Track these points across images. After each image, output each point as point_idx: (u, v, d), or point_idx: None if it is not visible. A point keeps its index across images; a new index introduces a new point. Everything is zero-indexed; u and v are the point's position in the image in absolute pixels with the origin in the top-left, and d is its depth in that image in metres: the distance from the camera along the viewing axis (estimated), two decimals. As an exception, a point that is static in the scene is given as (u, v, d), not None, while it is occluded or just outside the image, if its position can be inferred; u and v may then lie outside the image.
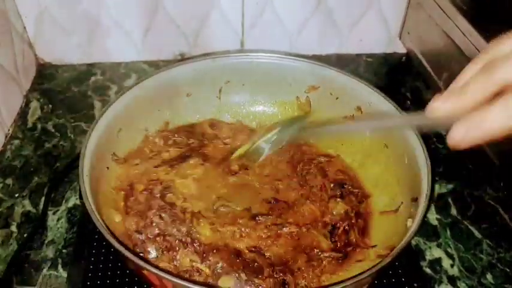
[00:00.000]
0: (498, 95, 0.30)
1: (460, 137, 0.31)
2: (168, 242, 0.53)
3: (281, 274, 0.51)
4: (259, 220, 0.56)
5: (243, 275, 0.50)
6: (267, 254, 0.54)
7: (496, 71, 0.30)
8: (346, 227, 0.57)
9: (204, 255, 0.52)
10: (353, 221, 0.57)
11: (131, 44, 0.89)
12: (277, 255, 0.54)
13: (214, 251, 0.52)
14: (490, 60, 0.31)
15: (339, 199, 0.59)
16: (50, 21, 0.84)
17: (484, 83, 0.30)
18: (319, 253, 0.54)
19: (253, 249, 0.54)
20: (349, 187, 0.61)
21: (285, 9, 0.87)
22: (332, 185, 0.61)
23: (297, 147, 0.67)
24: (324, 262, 0.53)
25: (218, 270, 0.51)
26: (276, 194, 0.61)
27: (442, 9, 0.75)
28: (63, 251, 0.59)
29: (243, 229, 0.55)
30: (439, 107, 0.32)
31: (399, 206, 0.56)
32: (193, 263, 0.51)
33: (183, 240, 0.53)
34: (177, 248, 0.52)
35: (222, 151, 0.65)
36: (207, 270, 0.51)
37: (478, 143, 0.31)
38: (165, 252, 0.52)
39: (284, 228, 0.56)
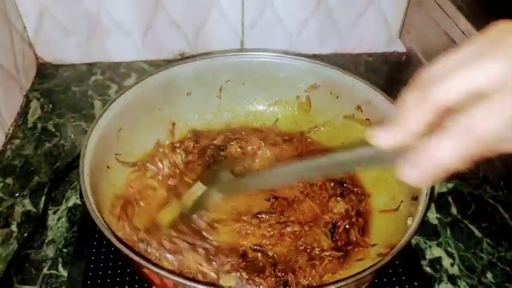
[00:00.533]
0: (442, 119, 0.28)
1: (416, 177, 0.29)
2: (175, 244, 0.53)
3: (283, 273, 0.51)
4: (262, 218, 0.56)
5: (244, 274, 0.50)
6: (270, 253, 0.54)
7: (429, 94, 0.29)
8: (347, 226, 0.57)
9: (211, 257, 0.52)
10: (353, 220, 0.57)
11: (131, 44, 0.89)
12: (280, 254, 0.54)
13: (221, 252, 0.52)
14: (423, 87, 0.30)
15: (339, 198, 0.59)
16: (50, 21, 0.84)
17: (421, 109, 0.29)
18: (320, 252, 0.54)
19: (257, 247, 0.54)
20: (349, 186, 0.61)
21: (285, 9, 0.87)
22: (332, 183, 0.61)
23: (300, 142, 0.67)
24: (325, 261, 0.53)
25: (223, 272, 0.51)
26: (275, 191, 0.61)
27: (442, 9, 0.75)
28: (64, 250, 0.59)
29: (247, 227, 0.55)
30: (381, 137, 0.31)
31: (399, 205, 0.56)
32: (199, 266, 0.51)
33: (190, 242, 0.53)
34: (183, 251, 0.52)
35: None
36: (213, 274, 0.51)
37: (442, 176, 0.29)
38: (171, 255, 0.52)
39: (287, 228, 0.56)
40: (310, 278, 0.52)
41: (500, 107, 0.26)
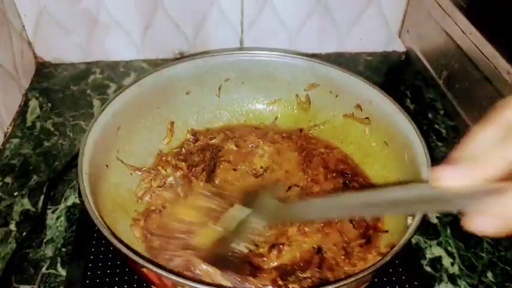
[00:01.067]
0: None
1: (488, 227, 0.26)
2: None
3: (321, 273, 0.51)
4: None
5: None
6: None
7: None
8: None
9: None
10: None
11: (130, 43, 0.89)
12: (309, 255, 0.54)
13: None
14: (507, 126, 0.27)
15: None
16: (49, 20, 0.84)
17: (508, 152, 0.26)
18: (348, 243, 0.54)
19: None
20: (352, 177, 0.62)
21: (284, 8, 0.87)
22: (334, 174, 0.62)
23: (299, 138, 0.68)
24: (355, 250, 0.53)
25: None
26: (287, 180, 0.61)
27: (441, 7, 0.75)
28: (62, 249, 0.59)
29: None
30: (448, 176, 0.27)
31: None
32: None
33: None
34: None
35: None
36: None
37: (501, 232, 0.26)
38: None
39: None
40: (347, 270, 0.52)
41: None
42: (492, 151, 0.26)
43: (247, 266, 0.51)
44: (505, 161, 0.26)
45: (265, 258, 0.52)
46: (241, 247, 0.49)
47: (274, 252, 0.53)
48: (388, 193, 0.34)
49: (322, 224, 0.55)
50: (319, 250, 0.54)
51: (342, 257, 0.53)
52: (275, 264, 0.52)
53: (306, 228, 0.55)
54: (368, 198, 0.36)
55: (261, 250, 0.53)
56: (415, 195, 0.31)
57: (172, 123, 0.67)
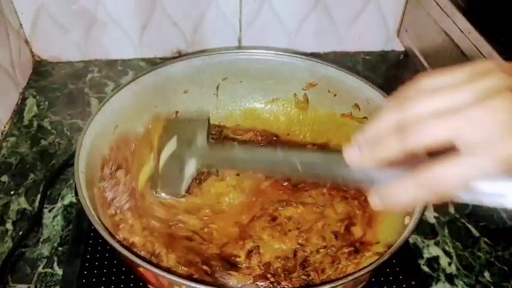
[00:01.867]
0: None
1: (375, 204, 0.32)
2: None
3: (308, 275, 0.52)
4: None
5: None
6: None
7: (409, 136, 0.29)
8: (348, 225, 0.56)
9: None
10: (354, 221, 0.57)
11: (128, 41, 0.88)
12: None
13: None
14: (404, 118, 0.30)
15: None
16: (47, 18, 0.83)
17: (397, 146, 0.30)
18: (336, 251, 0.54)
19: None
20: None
21: (283, 7, 0.87)
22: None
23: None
24: (342, 259, 0.53)
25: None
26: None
27: (440, 7, 0.75)
28: (59, 248, 0.59)
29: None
30: (352, 154, 0.33)
31: None
32: None
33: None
34: None
35: None
36: None
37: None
38: None
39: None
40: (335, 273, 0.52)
41: (462, 169, 0.28)
42: (385, 142, 0.30)
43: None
44: (394, 152, 0.30)
45: (245, 265, 0.52)
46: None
47: (255, 257, 0.52)
48: (311, 156, 0.39)
49: (298, 229, 0.55)
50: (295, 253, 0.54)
51: (329, 263, 0.53)
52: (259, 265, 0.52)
53: (278, 233, 0.55)
54: (294, 158, 0.39)
55: (238, 260, 0.52)
56: (329, 162, 0.37)
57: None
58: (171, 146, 0.53)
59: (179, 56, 0.91)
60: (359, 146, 0.32)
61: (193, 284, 0.41)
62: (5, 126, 0.75)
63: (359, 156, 0.32)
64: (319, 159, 0.38)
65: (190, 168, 0.52)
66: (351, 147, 0.33)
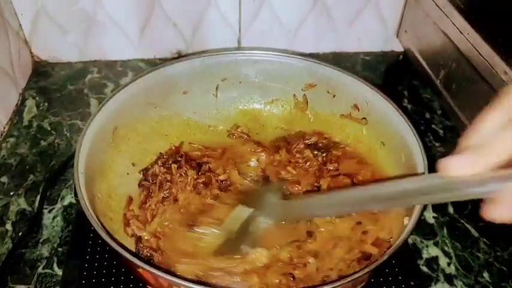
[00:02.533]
0: None
1: (498, 217, 0.27)
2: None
3: None
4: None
5: None
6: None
7: None
8: None
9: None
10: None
11: (128, 42, 0.89)
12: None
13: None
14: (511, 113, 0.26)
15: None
16: (46, 19, 0.83)
17: (509, 141, 0.26)
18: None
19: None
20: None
21: (282, 8, 0.87)
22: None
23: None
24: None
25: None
26: None
27: (439, 7, 0.75)
28: (59, 249, 0.59)
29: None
30: (456, 165, 0.27)
31: None
32: None
33: None
34: None
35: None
36: None
37: None
38: None
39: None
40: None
41: None
42: (495, 138, 0.27)
43: None
44: (508, 149, 0.26)
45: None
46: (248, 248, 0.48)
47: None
48: (398, 185, 0.33)
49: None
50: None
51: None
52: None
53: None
54: (376, 191, 0.36)
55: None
56: (425, 186, 0.31)
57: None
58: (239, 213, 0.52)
59: (179, 56, 0.91)
60: (465, 153, 0.28)
61: (192, 285, 0.41)
62: (4, 127, 0.75)
63: (468, 163, 0.27)
64: (411, 186, 0.33)
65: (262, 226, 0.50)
66: (456, 157, 0.28)
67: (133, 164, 0.62)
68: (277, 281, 0.50)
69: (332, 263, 0.52)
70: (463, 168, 0.27)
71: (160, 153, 0.65)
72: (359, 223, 0.56)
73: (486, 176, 0.27)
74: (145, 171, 0.62)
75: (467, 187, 0.28)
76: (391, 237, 0.53)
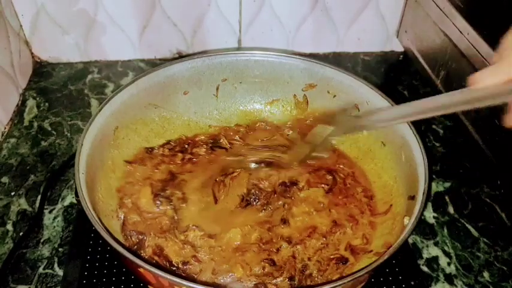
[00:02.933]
0: None
1: None
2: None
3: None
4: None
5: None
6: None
7: None
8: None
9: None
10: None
11: (128, 42, 0.89)
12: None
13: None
14: None
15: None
16: (47, 20, 0.83)
17: None
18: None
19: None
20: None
21: (282, 8, 0.87)
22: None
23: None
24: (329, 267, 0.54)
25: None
26: None
27: (439, 7, 0.75)
28: (59, 249, 0.59)
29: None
30: (482, 78, 0.32)
31: (389, 208, 0.57)
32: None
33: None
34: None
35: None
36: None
37: None
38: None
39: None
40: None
41: None
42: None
43: None
44: None
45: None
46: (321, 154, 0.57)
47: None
48: (444, 97, 0.40)
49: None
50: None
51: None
52: None
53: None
54: (430, 103, 0.42)
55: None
56: (463, 98, 0.36)
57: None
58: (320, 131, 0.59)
59: (179, 57, 0.92)
60: (488, 67, 0.32)
61: (192, 285, 0.41)
62: (5, 128, 0.75)
63: (488, 75, 0.31)
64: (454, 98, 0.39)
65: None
66: (480, 71, 0.32)
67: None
68: (260, 269, 0.52)
69: (308, 253, 0.54)
70: (484, 80, 0.31)
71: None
72: (335, 223, 0.57)
73: (506, 86, 0.31)
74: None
75: (493, 96, 0.32)
76: (372, 250, 0.54)
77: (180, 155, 0.65)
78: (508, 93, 0.32)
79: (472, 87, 0.33)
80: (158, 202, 0.58)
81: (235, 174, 0.61)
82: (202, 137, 0.68)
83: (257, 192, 0.60)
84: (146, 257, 0.52)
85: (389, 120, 0.52)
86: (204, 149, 0.66)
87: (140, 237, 0.54)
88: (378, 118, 0.52)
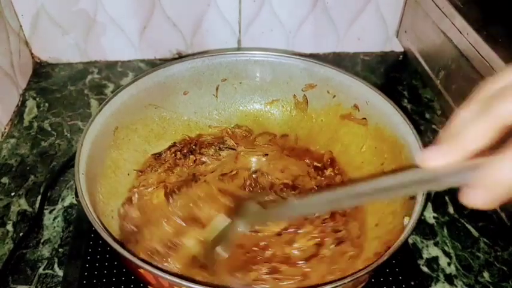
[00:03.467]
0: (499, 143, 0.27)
1: (481, 200, 0.27)
2: None
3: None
4: None
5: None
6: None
7: (493, 110, 0.27)
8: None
9: None
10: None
11: (128, 43, 0.89)
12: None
13: None
14: (484, 102, 0.28)
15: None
16: (47, 20, 0.84)
17: (484, 126, 0.27)
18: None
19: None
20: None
21: (282, 8, 0.87)
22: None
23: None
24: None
25: None
26: None
27: (439, 8, 0.75)
28: (59, 250, 0.59)
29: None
30: (433, 157, 0.29)
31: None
32: None
33: None
34: None
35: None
36: None
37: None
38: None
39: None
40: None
41: None
42: (469, 127, 0.28)
43: None
44: (481, 135, 0.27)
45: None
46: (222, 252, 0.48)
47: None
48: (378, 183, 0.33)
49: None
50: None
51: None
52: None
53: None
54: (356, 190, 0.36)
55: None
56: (407, 180, 0.32)
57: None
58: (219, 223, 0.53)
59: (179, 57, 0.92)
60: (437, 146, 0.29)
61: (193, 285, 0.41)
62: (5, 128, 0.75)
63: (441, 154, 0.28)
64: (390, 183, 0.33)
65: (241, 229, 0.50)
66: (430, 149, 0.29)
67: (132, 165, 0.62)
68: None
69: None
70: (436, 160, 0.29)
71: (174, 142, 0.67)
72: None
73: (460, 166, 0.28)
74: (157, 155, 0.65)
75: (445, 177, 0.29)
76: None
77: (191, 156, 0.65)
78: (466, 172, 0.28)
79: (422, 166, 0.29)
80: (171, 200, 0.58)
81: None
82: (209, 138, 0.69)
83: None
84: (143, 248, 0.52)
85: (305, 209, 0.45)
86: (213, 150, 0.66)
87: (135, 229, 0.55)
88: (289, 210, 0.46)
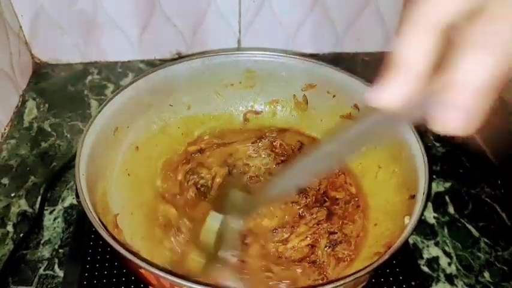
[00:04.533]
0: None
1: (458, 120, 0.24)
2: None
3: None
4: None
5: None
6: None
7: (424, 20, 0.23)
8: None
9: None
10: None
11: (128, 43, 0.89)
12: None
13: None
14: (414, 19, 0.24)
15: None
16: (46, 20, 0.83)
17: (419, 39, 0.24)
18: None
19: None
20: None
21: (282, 8, 0.87)
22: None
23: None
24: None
25: None
26: None
27: (439, 8, 0.75)
28: (60, 250, 0.59)
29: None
30: (385, 97, 0.25)
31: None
32: None
33: None
34: None
35: None
36: None
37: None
38: None
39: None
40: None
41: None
42: (407, 48, 0.25)
43: None
44: (422, 51, 0.24)
45: None
46: (228, 256, 0.48)
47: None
48: (342, 136, 0.32)
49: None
50: None
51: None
52: None
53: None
54: (326, 149, 0.35)
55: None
56: (368, 127, 0.30)
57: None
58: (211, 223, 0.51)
59: (179, 57, 0.92)
60: (386, 83, 0.25)
61: (194, 285, 0.41)
62: (5, 129, 0.75)
63: (393, 92, 0.25)
64: (350, 137, 0.31)
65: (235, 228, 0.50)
66: (378, 89, 0.26)
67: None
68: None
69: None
70: (392, 98, 0.26)
71: None
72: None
73: (419, 97, 0.25)
74: None
75: (407, 114, 0.27)
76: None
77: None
78: (428, 98, 0.25)
79: (377, 107, 0.26)
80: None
81: None
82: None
83: None
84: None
85: (289, 182, 0.43)
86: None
87: None
88: (275, 189, 0.44)
